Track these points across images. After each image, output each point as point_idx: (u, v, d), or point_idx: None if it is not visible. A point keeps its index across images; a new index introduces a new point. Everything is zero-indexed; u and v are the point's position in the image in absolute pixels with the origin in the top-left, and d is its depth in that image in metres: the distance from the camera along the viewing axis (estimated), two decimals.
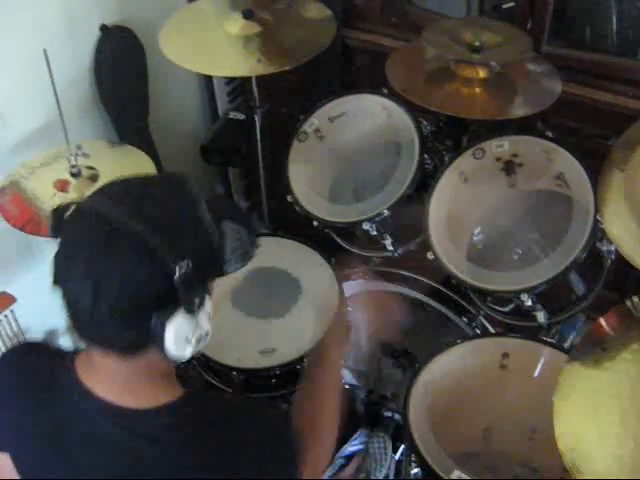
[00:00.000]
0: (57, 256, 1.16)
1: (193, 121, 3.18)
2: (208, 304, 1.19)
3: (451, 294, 2.30)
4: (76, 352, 1.27)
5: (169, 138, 2.99)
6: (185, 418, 1.23)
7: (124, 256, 1.10)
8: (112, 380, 1.21)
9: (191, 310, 1.13)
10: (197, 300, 1.14)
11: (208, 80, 3.14)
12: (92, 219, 1.13)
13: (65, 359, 1.27)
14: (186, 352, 1.17)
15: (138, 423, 1.20)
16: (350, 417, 2.18)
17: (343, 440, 2.11)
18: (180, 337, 1.14)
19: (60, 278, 1.15)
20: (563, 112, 2.57)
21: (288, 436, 1.32)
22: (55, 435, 1.24)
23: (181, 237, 1.14)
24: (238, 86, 3.17)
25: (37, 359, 1.33)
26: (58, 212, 1.19)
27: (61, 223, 1.19)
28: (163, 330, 1.12)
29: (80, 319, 1.14)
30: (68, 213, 1.18)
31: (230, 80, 3.14)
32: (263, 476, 1.26)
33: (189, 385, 1.31)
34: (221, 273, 1.24)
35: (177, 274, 1.09)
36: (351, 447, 2.11)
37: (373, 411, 2.31)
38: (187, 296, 1.12)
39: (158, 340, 1.13)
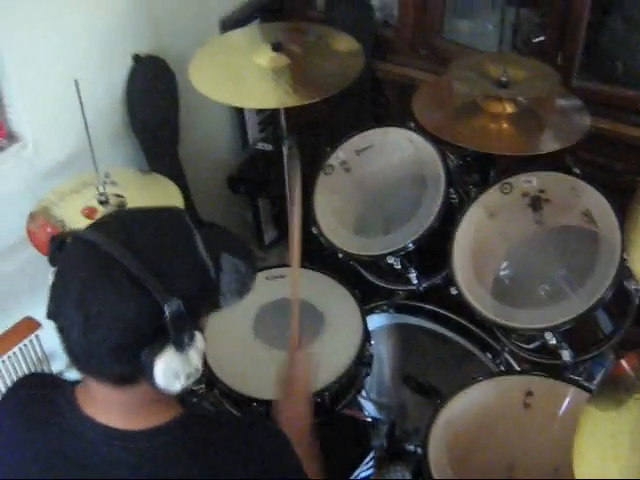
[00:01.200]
0: (52, 287, 1.17)
1: (223, 150, 3.21)
2: (199, 340, 1.18)
3: (475, 330, 2.27)
4: (76, 382, 1.28)
5: (199, 167, 3.02)
6: (183, 436, 1.23)
7: (115, 292, 1.10)
8: (110, 407, 1.22)
9: (180, 347, 1.13)
10: (187, 337, 1.14)
11: (239, 110, 3.17)
12: (87, 252, 1.14)
13: (66, 389, 1.28)
14: (176, 386, 1.17)
15: (139, 443, 1.21)
16: (360, 442, 2.17)
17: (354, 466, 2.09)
18: (169, 373, 1.14)
19: (53, 310, 1.15)
20: (593, 147, 2.56)
21: (291, 454, 1.33)
22: (57, 463, 1.24)
23: (174, 275, 1.14)
24: (269, 116, 3.19)
25: (41, 389, 1.33)
26: (56, 241, 1.19)
27: (58, 253, 1.19)
28: (152, 366, 1.12)
29: (73, 351, 1.15)
30: (65, 243, 1.18)
31: (261, 110, 3.17)
32: None
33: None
34: (216, 308, 1.24)
35: (167, 313, 1.09)
36: (362, 472, 2.09)
37: (395, 444, 2.29)
38: (176, 334, 1.12)
39: (148, 375, 1.13)
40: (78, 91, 2.06)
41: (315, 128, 2.93)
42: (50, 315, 1.16)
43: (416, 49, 2.81)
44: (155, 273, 1.10)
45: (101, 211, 2.19)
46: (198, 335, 1.17)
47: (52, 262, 1.19)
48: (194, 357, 1.17)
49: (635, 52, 2.75)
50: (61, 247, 1.18)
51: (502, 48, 2.75)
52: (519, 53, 2.60)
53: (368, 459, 2.10)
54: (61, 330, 1.15)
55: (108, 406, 1.22)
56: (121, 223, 1.20)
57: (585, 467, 1.49)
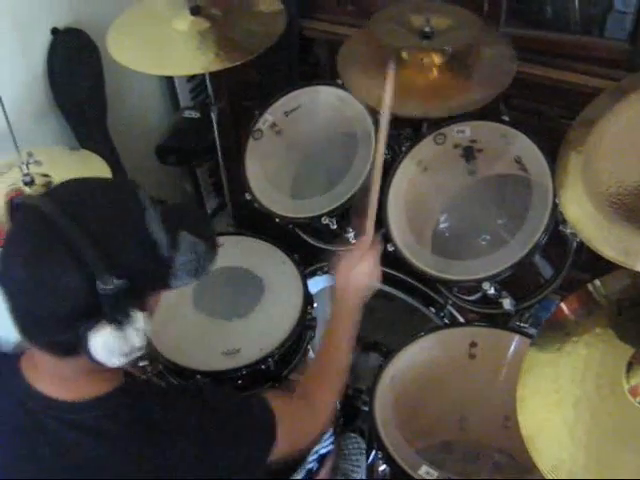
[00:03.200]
0: (2, 251, 1.17)
1: (155, 121, 3.14)
2: (140, 319, 1.17)
3: (417, 284, 2.26)
4: (23, 352, 1.29)
5: (131, 140, 2.95)
6: (122, 407, 1.25)
7: (56, 262, 1.10)
8: (51, 376, 1.24)
9: (116, 325, 1.13)
10: (122, 316, 1.13)
11: (169, 78, 3.10)
12: (34, 219, 1.13)
13: (11, 357, 1.30)
14: (114, 362, 1.17)
15: (76, 415, 1.23)
16: None
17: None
18: (105, 348, 1.14)
19: (2, 274, 1.16)
20: (526, 94, 2.55)
21: (240, 418, 1.36)
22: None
23: (117, 250, 1.13)
24: (200, 83, 3.13)
25: None
26: (13, 204, 1.20)
27: (12, 216, 1.20)
28: (87, 340, 1.12)
29: (17, 317, 1.15)
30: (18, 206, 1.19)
31: (192, 77, 3.10)
32: (207, 459, 1.28)
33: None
34: (166, 287, 1.23)
35: (100, 289, 1.09)
36: (322, 449, 2.08)
37: (350, 405, 2.29)
38: (111, 311, 1.11)
39: (84, 348, 1.13)
40: None
41: (247, 92, 2.87)
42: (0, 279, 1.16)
43: (343, 4, 2.75)
44: (97, 248, 1.10)
45: (27, 192, 2.13)
46: (139, 314, 1.17)
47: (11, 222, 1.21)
48: (132, 336, 1.16)
49: None
50: (14, 212, 1.20)
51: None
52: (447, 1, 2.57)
53: (327, 436, 2.08)
54: (5, 292, 1.15)
55: (48, 375, 1.24)
56: (73, 193, 1.20)
57: (527, 413, 1.50)
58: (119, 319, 1.13)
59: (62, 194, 1.20)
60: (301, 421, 1.53)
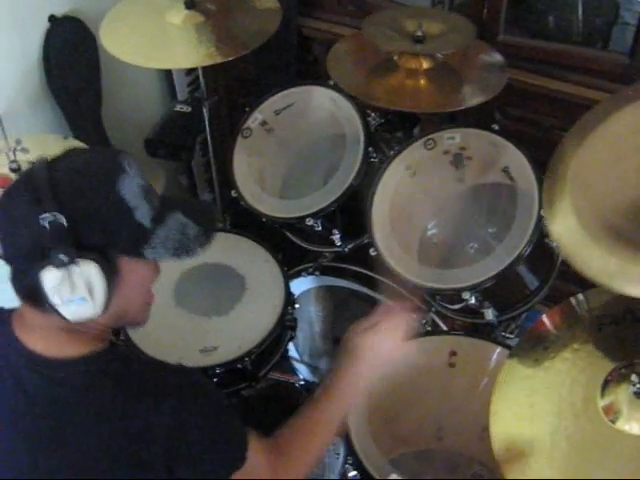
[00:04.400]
0: None
1: (151, 114, 3.10)
2: (94, 272, 1.17)
3: (402, 290, 2.24)
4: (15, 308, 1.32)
5: (125, 131, 2.94)
6: (104, 368, 1.26)
7: (19, 203, 1.16)
8: (35, 331, 1.26)
9: (59, 264, 1.14)
10: (65, 256, 1.14)
11: (167, 72, 3.09)
12: (24, 174, 1.22)
13: (4, 312, 1.33)
14: (69, 312, 1.18)
15: (58, 371, 1.24)
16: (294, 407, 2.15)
17: None
18: (54, 294, 1.16)
19: None
20: (522, 103, 2.53)
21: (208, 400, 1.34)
22: None
23: (74, 198, 1.17)
24: (198, 77, 3.10)
25: None
26: None
27: None
28: (36, 282, 1.15)
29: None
30: None
31: (190, 71, 3.09)
32: (182, 428, 1.27)
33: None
34: (137, 254, 1.24)
35: (42, 221, 1.13)
36: None
37: None
38: (54, 248, 1.14)
39: (39, 292, 1.16)
40: None
41: (244, 89, 2.86)
42: None
43: (344, 5, 2.74)
44: (56, 190, 1.14)
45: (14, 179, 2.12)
46: (93, 266, 1.17)
47: None
48: (80, 284, 1.17)
49: (566, 7, 2.71)
50: None
51: (434, 3, 2.71)
52: (448, 8, 2.56)
53: None
54: None
55: (33, 330, 1.27)
56: (66, 153, 1.24)
57: (500, 426, 1.49)
58: (62, 259, 1.14)
59: (60, 155, 1.24)
60: (266, 473, 1.43)
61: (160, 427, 1.24)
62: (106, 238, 1.19)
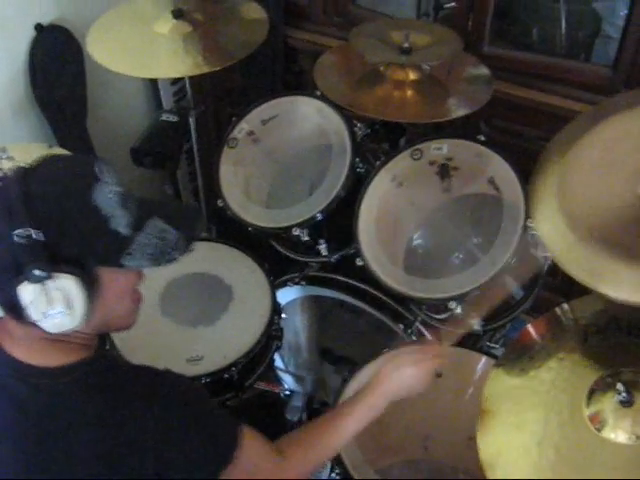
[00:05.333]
0: None
1: (136, 123, 3.10)
2: (72, 285, 1.16)
3: (387, 300, 2.24)
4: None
5: (110, 141, 2.93)
6: (86, 377, 1.26)
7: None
8: (20, 341, 1.26)
9: (33, 280, 1.13)
10: (40, 271, 1.13)
11: (152, 81, 3.08)
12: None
13: None
14: (49, 325, 1.18)
15: (43, 379, 1.24)
16: (278, 428, 2.14)
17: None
18: (32, 308, 1.16)
19: None
20: (508, 115, 2.55)
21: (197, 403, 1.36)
22: None
23: (46, 210, 1.15)
24: (184, 87, 3.10)
25: None
26: None
27: None
28: (16, 297, 1.15)
29: None
30: None
31: (176, 80, 3.08)
32: (170, 432, 1.28)
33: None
34: (114, 263, 1.22)
35: (14, 237, 1.12)
36: None
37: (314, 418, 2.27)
38: (28, 263, 1.13)
39: (17, 306, 1.16)
40: None
41: (231, 99, 2.86)
42: None
43: (329, 16, 2.75)
44: (30, 203, 1.13)
45: None
46: (71, 279, 1.16)
47: None
48: (57, 298, 1.16)
49: (550, 19, 2.74)
50: None
51: (420, 14, 2.72)
52: (434, 20, 2.57)
53: None
54: None
55: (17, 339, 1.26)
56: (40, 162, 1.23)
57: (487, 435, 1.49)
58: (38, 275, 1.13)
59: (34, 165, 1.22)
60: (263, 471, 1.45)
61: (149, 432, 1.24)
62: (82, 249, 1.19)
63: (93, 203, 1.18)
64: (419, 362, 1.62)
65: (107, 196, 1.19)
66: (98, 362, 1.30)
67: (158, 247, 1.24)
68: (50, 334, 1.20)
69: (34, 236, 1.12)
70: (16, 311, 1.17)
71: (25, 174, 1.18)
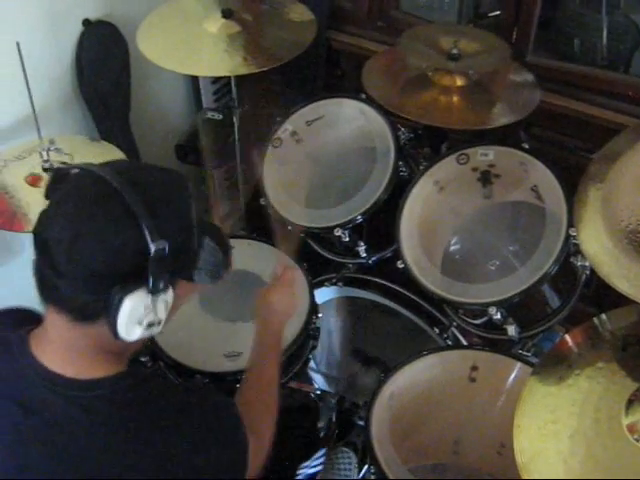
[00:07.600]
0: (43, 210, 1.18)
1: (177, 120, 3.15)
2: (170, 294, 1.19)
3: (424, 304, 2.26)
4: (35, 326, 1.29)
5: (151, 136, 2.97)
6: (121, 393, 1.25)
7: (109, 218, 1.13)
8: (57, 347, 1.24)
9: (155, 292, 1.15)
10: (162, 283, 1.15)
11: (194, 78, 3.11)
12: (91, 181, 1.15)
13: (22, 328, 1.30)
14: (133, 334, 1.18)
15: (74, 391, 1.23)
16: (311, 433, 2.16)
17: (304, 457, 2.07)
18: (133, 316, 1.15)
19: (42, 225, 1.16)
20: (547, 124, 2.55)
21: (232, 423, 1.35)
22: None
23: (168, 222, 1.16)
24: (224, 86, 3.14)
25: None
26: (59, 173, 1.22)
27: (56, 185, 1.20)
28: (120, 303, 1.13)
29: (45, 271, 1.15)
30: (68, 175, 1.21)
31: (217, 79, 3.12)
32: (199, 460, 1.27)
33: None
34: (189, 277, 1.25)
35: (152, 250, 1.11)
36: (311, 469, 2.07)
37: (344, 419, 2.28)
38: (154, 276, 1.14)
39: (112, 313, 1.14)
40: (20, 54, 2.01)
41: (270, 99, 2.88)
42: (36, 230, 1.17)
43: (373, 20, 2.77)
44: (152, 213, 1.13)
45: (46, 178, 2.15)
46: (170, 290, 1.19)
47: (48, 194, 1.21)
48: (161, 308, 1.19)
49: (591, 30, 2.74)
50: (62, 179, 1.20)
51: (461, 21, 2.74)
52: (475, 25, 2.59)
53: (319, 455, 2.08)
54: (44, 245, 1.14)
55: (56, 347, 1.24)
56: (131, 167, 1.27)
57: (524, 441, 1.50)
58: (158, 286, 1.15)
59: (117, 166, 1.21)
60: (255, 455, 1.45)
61: (179, 449, 1.25)
62: (187, 263, 1.22)
63: (190, 218, 1.21)
64: (278, 289, 1.79)
65: (194, 212, 1.23)
66: (129, 378, 1.29)
67: (212, 265, 1.27)
68: (109, 343, 1.20)
69: (164, 248, 1.13)
70: (93, 315, 1.17)
71: (130, 178, 1.16)
